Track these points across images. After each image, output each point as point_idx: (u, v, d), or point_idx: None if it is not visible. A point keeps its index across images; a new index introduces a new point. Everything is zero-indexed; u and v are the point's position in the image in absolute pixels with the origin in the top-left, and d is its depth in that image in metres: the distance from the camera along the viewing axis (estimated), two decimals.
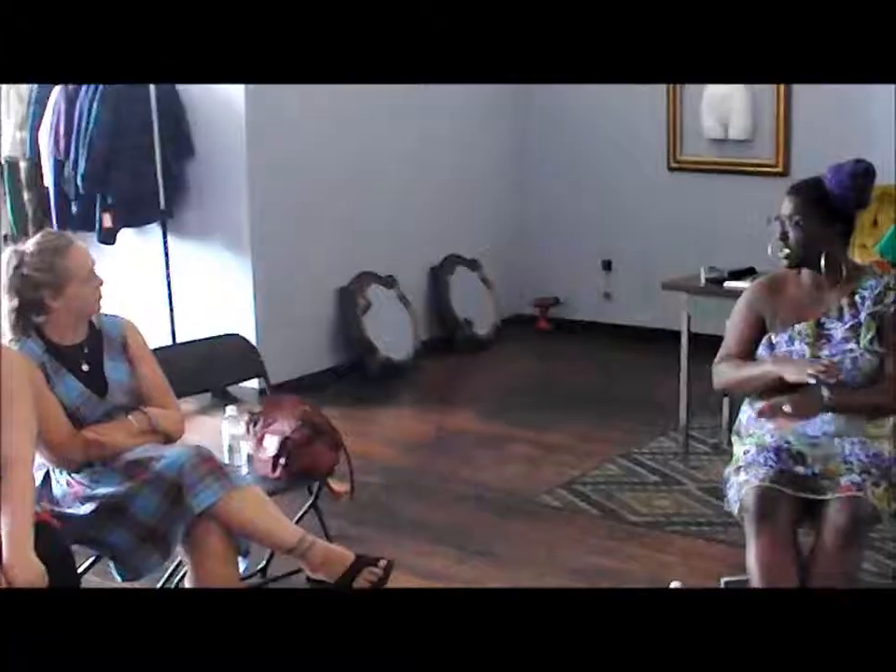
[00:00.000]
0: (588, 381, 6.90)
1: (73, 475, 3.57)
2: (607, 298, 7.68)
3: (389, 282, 7.03)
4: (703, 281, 5.31)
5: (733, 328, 3.81)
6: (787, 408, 3.47)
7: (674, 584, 3.99)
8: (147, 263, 6.54)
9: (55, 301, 3.58)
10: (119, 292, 6.69)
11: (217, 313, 6.41)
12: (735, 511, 3.56)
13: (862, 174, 3.59)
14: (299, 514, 4.30)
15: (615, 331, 7.58)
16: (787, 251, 3.63)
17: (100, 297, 3.68)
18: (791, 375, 3.50)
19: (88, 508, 3.48)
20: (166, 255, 6.33)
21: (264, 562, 4.28)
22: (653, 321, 7.21)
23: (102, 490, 3.49)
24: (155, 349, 4.18)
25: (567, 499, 5.05)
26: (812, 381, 3.44)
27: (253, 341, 6.27)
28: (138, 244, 6.61)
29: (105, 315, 3.80)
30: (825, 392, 3.46)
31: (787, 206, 3.63)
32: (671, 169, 7.28)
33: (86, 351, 3.68)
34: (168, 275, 6.35)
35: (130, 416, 3.64)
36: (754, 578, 3.40)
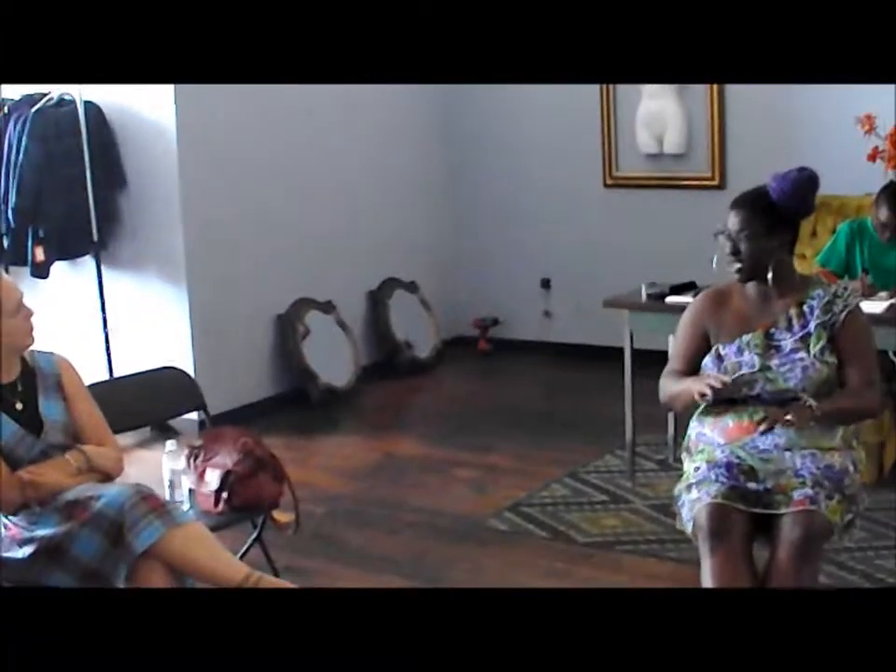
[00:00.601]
0: (531, 401, 6.86)
1: (9, 518, 3.45)
2: (547, 316, 7.64)
3: (327, 307, 6.95)
4: (644, 297, 5.28)
5: (677, 342, 3.80)
6: (789, 417, 3.45)
7: None
8: (82, 296, 6.42)
9: None
10: (53, 326, 6.61)
11: (155, 344, 6.30)
12: (689, 530, 3.51)
13: (807, 181, 3.59)
14: (244, 548, 4.21)
15: (556, 350, 7.54)
16: (738, 265, 3.61)
17: (31, 329, 3.56)
18: (695, 389, 3.55)
19: (26, 551, 3.36)
20: (100, 287, 6.22)
21: None
22: (595, 338, 7.18)
23: (40, 532, 3.37)
24: (91, 384, 4.08)
25: (514, 522, 4.99)
26: (706, 397, 3.49)
27: (191, 371, 6.19)
28: (72, 277, 6.49)
29: (39, 351, 3.69)
30: (812, 402, 3.47)
31: (734, 220, 3.60)
32: (607, 185, 7.26)
33: (20, 389, 3.57)
34: (103, 308, 6.24)
35: (67, 455, 3.53)
36: None
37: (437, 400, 7.06)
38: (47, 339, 6.46)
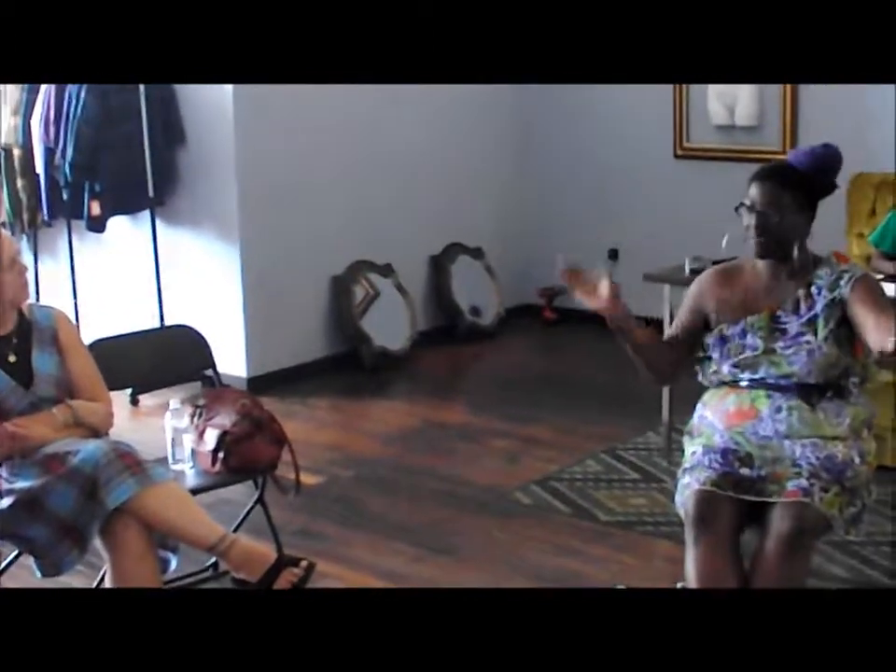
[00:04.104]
0: (588, 373, 6.74)
1: None
2: None
3: (386, 270, 6.90)
4: (687, 271, 5.14)
5: (678, 313, 3.69)
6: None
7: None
8: (137, 251, 6.48)
9: None
10: (109, 279, 6.71)
11: (207, 300, 6.34)
12: (682, 515, 3.42)
13: (834, 157, 3.48)
14: (245, 510, 4.20)
15: None
16: (761, 241, 3.47)
17: (25, 285, 3.59)
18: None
19: (6, 502, 3.39)
20: (155, 242, 6.26)
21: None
22: (659, 311, 7.01)
23: (20, 484, 3.41)
24: (101, 340, 4.13)
25: (539, 496, 4.91)
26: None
27: (242, 329, 6.26)
28: (129, 231, 6.55)
29: (37, 305, 3.73)
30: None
31: (762, 192, 3.44)
32: (677, 156, 7.09)
33: (14, 341, 3.61)
34: (157, 262, 6.29)
35: (54, 409, 3.56)
36: (691, 587, 3.27)
37: (491, 369, 6.98)
38: (102, 291, 6.61)
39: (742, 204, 3.49)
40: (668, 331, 3.66)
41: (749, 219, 3.47)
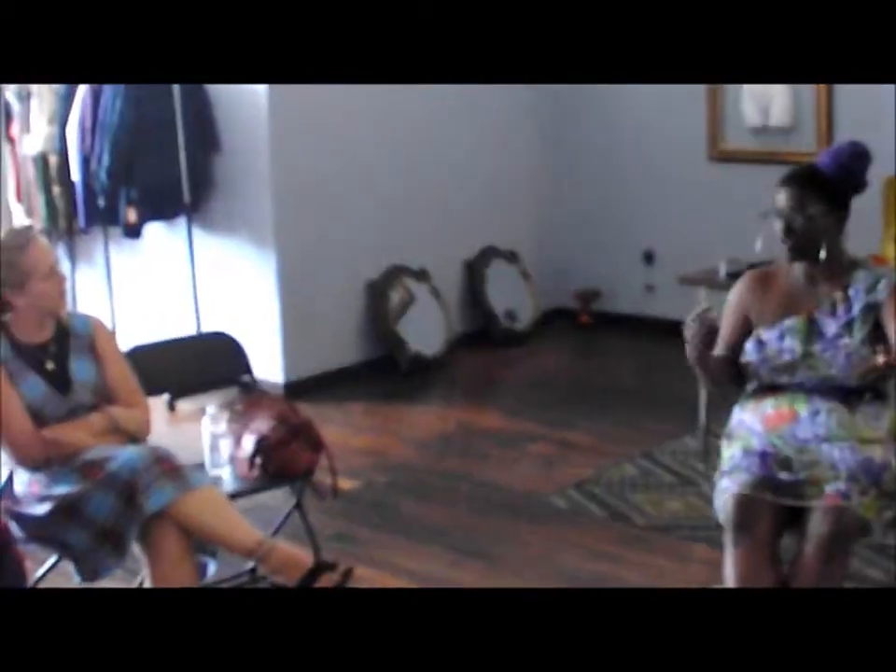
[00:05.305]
0: (623, 377, 6.73)
1: (33, 474, 3.52)
2: (649, 290, 7.48)
3: (421, 275, 6.91)
4: (723, 274, 5.12)
5: (722, 325, 3.67)
6: None
7: None
8: (173, 257, 6.51)
9: (18, 298, 3.54)
10: (145, 285, 6.75)
11: (243, 307, 6.36)
12: (721, 519, 3.41)
13: (859, 156, 3.48)
14: (284, 515, 4.22)
15: (657, 325, 7.35)
16: (791, 244, 3.47)
17: (63, 293, 3.63)
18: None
19: (45, 507, 3.43)
20: (191, 248, 6.30)
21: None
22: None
23: (58, 490, 3.44)
24: (138, 347, 4.16)
25: (576, 501, 4.90)
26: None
27: (278, 334, 6.28)
28: (165, 237, 6.59)
29: (74, 312, 3.77)
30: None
31: (786, 197, 3.47)
32: (712, 158, 7.06)
33: (52, 349, 3.64)
34: (193, 268, 6.32)
35: (91, 416, 3.59)
36: None
37: (527, 373, 6.97)
38: (139, 297, 6.66)
39: (770, 212, 3.49)
40: (719, 347, 3.60)
41: (777, 225, 3.48)
